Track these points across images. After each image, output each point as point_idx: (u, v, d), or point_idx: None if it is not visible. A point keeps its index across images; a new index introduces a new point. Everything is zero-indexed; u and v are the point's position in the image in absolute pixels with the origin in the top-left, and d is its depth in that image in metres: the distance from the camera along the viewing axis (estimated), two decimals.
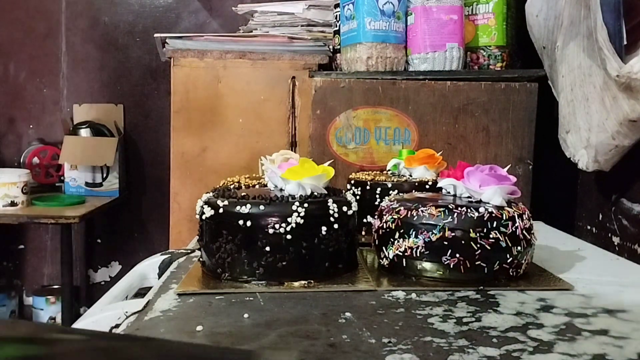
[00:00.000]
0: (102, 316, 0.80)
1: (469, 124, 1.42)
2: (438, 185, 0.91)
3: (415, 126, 1.42)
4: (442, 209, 0.78)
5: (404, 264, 0.80)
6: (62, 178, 2.29)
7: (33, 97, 2.45)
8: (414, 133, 1.42)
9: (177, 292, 0.76)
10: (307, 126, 1.52)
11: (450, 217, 0.77)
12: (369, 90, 1.42)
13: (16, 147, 2.45)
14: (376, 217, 0.87)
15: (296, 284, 0.77)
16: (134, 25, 2.42)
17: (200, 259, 0.85)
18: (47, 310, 2.33)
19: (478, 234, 0.76)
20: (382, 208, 0.86)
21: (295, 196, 0.81)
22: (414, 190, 1.02)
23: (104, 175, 2.25)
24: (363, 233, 1.03)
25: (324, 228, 0.78)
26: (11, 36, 2.44)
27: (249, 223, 0.76)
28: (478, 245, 0.77)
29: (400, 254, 0.80)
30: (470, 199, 0.83)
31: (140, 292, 0.98)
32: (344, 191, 0.88)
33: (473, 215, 0.77)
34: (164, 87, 2.38)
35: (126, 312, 0.74)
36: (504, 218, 0.77)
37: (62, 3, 2.43)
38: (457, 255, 0.77)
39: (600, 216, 1.30)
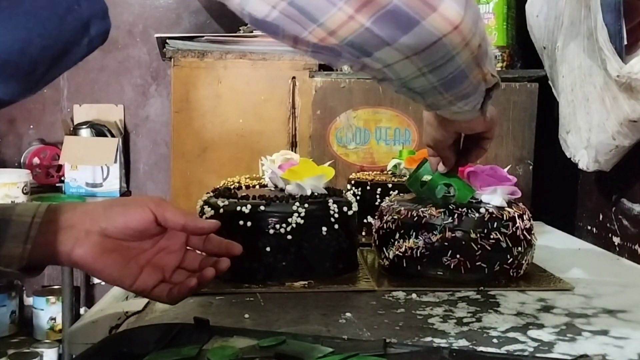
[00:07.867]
0: (102, 316, 0.80)
1: None
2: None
3: (416, 126, 1.42)
4: (442, 210, 0.78)
5: (404, 265, 0.80)
6: (62, 178, 2.29)
7: (33, 98, 2.44)
8: (414, 133, 1.42)
9: None
10: (308, 126, 1.52)
11: (450, 217, 0.77)
12: (369, 90, 1.42)
13: (16, 147, 2.45)
14: (376, 217, 0.86)
15: (297, 284, 0.77)
16: (134, 25, 2.42)
17: None
18: (48, 310, 2.32)
19: (478, 235, 0.76)
20: (382, 208, 0.85)
21: (296, 196, 0.81)
22: None
23: (105, 175, 2.25)
24: (363, 233, 1.03)
25: (324, 228, 0.78)
26: None
27: (249, 223, 0.76)
28: (478, 246, 0.77)
29: (401, 254, 0.80)
30: (470, 200, 0.83)
31: None
32: (344, 191, 0.88)
33: (473, 216, 0.77)
34: (164, 87, 2.38)
35: (126, 312, 0.74)
36: (505, 218, 0.77)
37: None
38: (458, 255, 0.77)
39: (601, 216, 1.30)
